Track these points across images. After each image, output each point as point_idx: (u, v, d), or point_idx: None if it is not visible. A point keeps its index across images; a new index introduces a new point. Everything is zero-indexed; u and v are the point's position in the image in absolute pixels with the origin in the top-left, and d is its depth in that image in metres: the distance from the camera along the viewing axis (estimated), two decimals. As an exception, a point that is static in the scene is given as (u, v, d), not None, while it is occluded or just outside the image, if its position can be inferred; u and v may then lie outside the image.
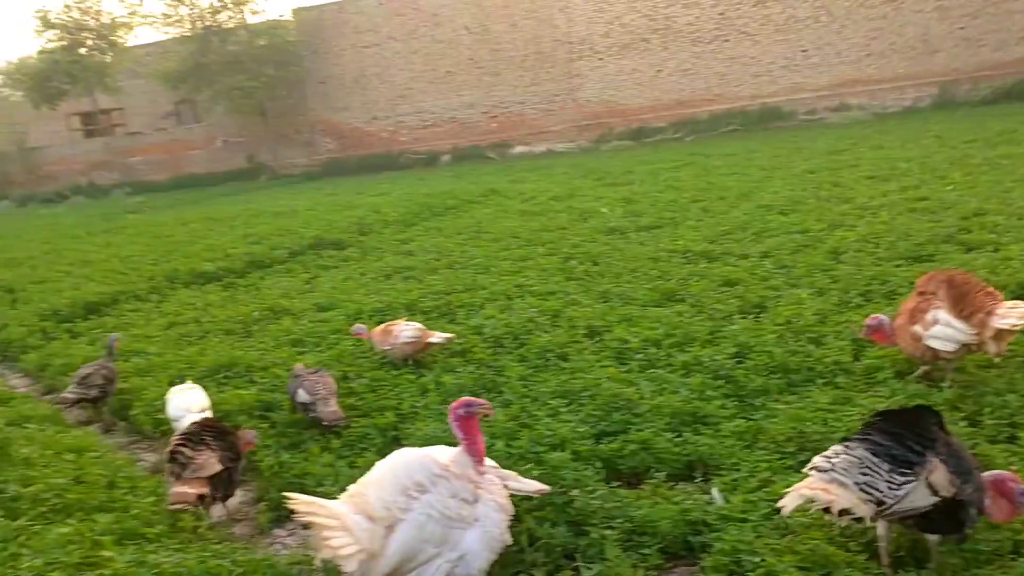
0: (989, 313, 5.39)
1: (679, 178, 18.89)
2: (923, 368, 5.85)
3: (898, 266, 8.44)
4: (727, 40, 33.69)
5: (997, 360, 5.70)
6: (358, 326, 8.03)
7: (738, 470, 4.83)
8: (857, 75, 31.80)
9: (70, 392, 7.59)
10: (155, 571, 3.53)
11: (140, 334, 9.98)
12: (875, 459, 3.63)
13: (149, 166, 42.87)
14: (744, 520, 4.26)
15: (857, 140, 21.84)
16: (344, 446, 5.97)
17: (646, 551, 4.23)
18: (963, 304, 5.56)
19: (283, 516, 5.30)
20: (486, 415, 4.18)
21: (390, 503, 3.79)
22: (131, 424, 7.45)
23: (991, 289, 5.69)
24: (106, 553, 3.68)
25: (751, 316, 7.57)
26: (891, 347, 6.01)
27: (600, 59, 35.62)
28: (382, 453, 5.65)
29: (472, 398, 4.08)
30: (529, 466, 4.95)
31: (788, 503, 3.73)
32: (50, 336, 10.64)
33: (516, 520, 4.46)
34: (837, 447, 3.82)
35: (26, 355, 10.19)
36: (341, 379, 7.18)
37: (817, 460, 3.80)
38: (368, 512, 3.73)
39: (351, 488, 3.97)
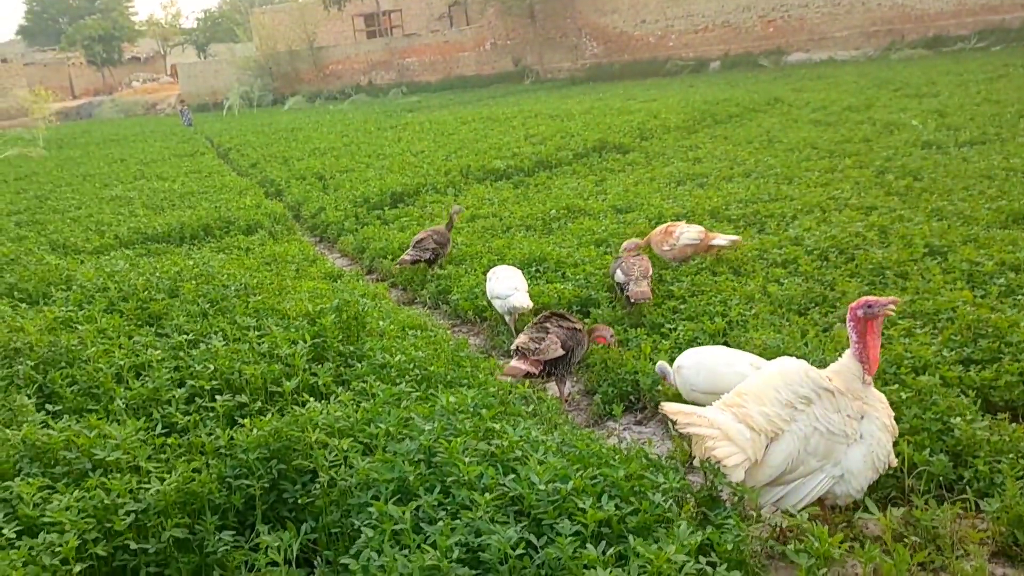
0: None
1: (996, 90, 16.92)
2: None
3: None
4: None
5: None
6: (628, 241, 7.56)
7: None
8: None
9: (408, 254, 8.54)
10: (544, 447, 3.61)
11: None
12: None
13: (422, 67, 44.68)
14: None
15: None
16: (674, 347, 5.88)
17: (1048, 492, 3.81)
18: None
19: (609, 411, 5.35)
20: (889, 314, 3.83)
21: (773, 416, 3.64)
22: (452, 307, 7.79)
23: None
24: (494, 426, 3.81)
25: None
26: None
27: (898, -43, 32.39)
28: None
29: (875, 297, 3.75)
30: (895, 387, 4.61)
31: None
32: (363, 221, 11.38)
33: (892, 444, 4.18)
34: None
35: (343, 238, 10.99)
36: (657, 281, 7.09)
37: None
38: (749, 423, 3.60)
39: (726, 397, 3.84)
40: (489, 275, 7.04)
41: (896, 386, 4.65)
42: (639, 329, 6.23)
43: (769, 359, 4.76)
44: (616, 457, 3.71)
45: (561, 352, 5.41)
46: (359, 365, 5.06)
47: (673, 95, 24.57)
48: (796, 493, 3.60)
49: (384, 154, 17.09)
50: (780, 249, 7.52)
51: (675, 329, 6.13)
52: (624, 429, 5.28)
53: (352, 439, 3.60)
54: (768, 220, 8.75)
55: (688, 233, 7.47)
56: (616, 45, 39.66)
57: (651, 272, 6.90)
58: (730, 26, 36.74)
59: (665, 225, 7.77)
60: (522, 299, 6.61)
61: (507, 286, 6.69)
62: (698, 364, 4.77)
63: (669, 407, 3.76)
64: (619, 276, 6.85)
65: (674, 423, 3.69)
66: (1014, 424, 4.35)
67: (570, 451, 3.67)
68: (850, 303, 3.90)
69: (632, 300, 6.53)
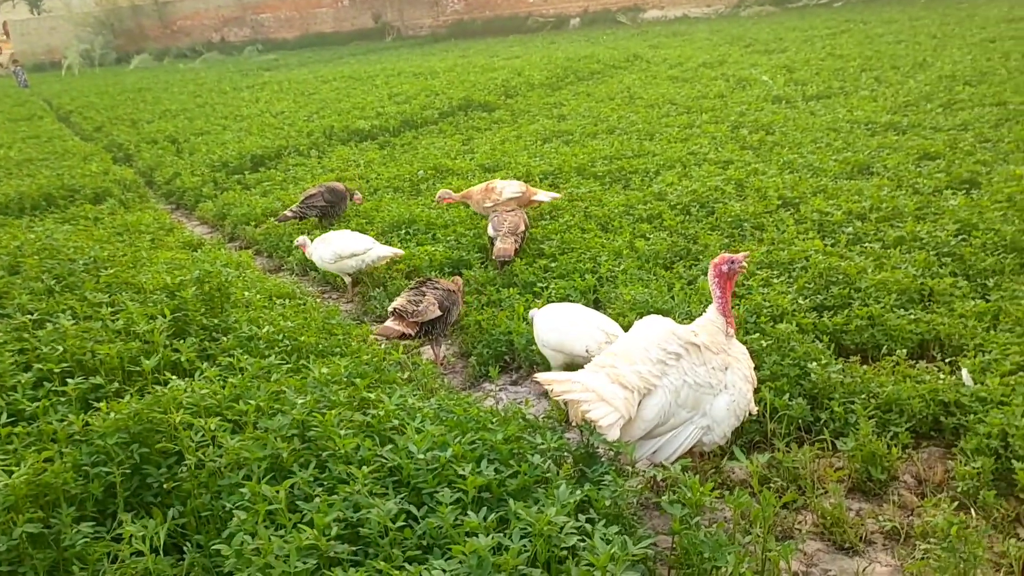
0: None
1: (839, 45, 17.74)
2: None
3: None
4: None
5: None
6: (443, 192, 8.05)
7: (985, 352, 4.56)
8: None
9: (291, 210, 8.50)
10: (422, 414, 3.58)
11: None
12: None
13: (278, 23, 43.06)
14: (1005, 403, 4.02)
15: (1039, 7, 19.97)
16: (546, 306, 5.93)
17: (896, 429, 4.07)
18: None
19: (485, 373, 5.38)
20: (743, 270, 4.00)
21: (645, 373, 3.72)
22: (320, 274, 7.61)
23: None
24: (369, 395, 3.74)
25: (962, 192, 7.08)
26: None
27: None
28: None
29: (733, 255, 3.89)
30: (755, 336, 4.81)
31: None
32: (222, 187, 10.94)
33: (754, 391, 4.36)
34: None
35: (202, 204, 10.52)
36: (529, 239, 7.13)
37: None
38: (622, 382, 3.66)
39: (597, 360, 3.89)
40: (329, 239, 7.10)
41: (757, 335, 4.85)
42: (511, 289, 6.25)
43: (639, 316, 4.90)
44: (494, 420, 3.71)
45: (439, 313, 5.42)
46: (225, 339, 4.85)
47: (536, 52, 24.61)
48: (670, 445, 3.71)
49: (242, 115, 16.44)
50: (645, 204, 7.68)
51: (547, 288, 6.19)
52: (501, 390, 5.31)
53: (220, 417, 3.46)
54: (632, 176, 8.93)
55: (510, 188, 7.59)
56: (477, 2, 39.30)
57: (524, 228, 6.93)
58: (589, -18, 37.00)
59: (485, 183, 7.83)
60: (380, 249, 6.90)
61: (345, 248, 6.86)
62: (549, 321, 4.88)
63: (543, 376, 3.79)
64: (490, 231, 6.91)
65: (551, 391, 3.71)
66: (865, 366, 4.62)
67: (448, 417, 3.65)
68: (712, 258, 4.04)
69: (494, 257, 6.63)
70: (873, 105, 11.03)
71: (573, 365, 4.61)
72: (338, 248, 6.93)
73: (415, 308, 5.38)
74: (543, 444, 3.39)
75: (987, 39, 15.93)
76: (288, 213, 8.47)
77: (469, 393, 5.11)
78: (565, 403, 3.78)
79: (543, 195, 7.71)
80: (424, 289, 5.58)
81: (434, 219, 8.07)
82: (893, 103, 11.03)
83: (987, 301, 5.16)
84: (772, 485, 3.86)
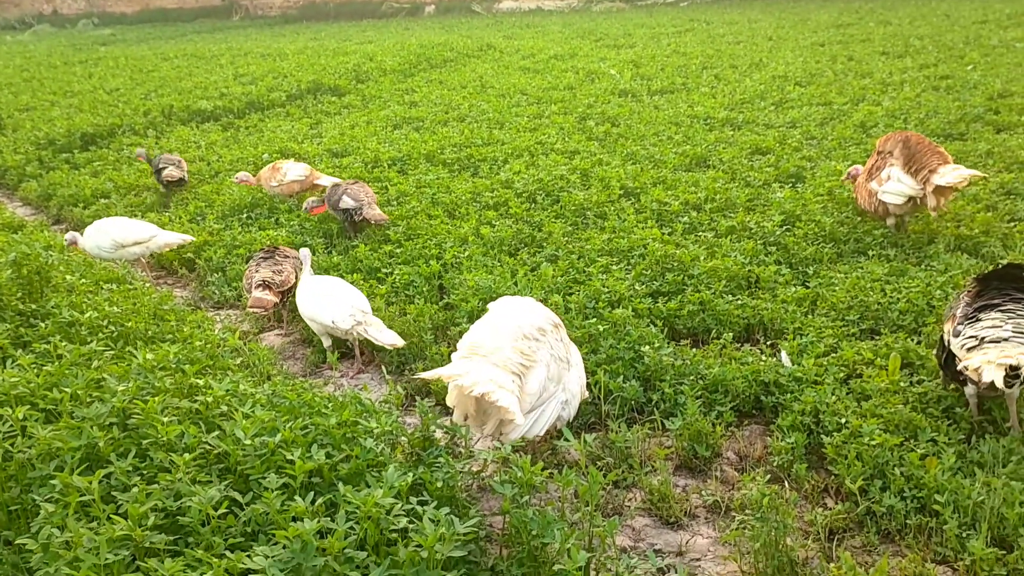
0: (932, 171, 5.84)
1: (684, 44, 18.42)
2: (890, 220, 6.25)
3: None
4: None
5: (934, 215, 6.13)
6: (241, 174, 8.34)
7: (803, 335, 4.85)
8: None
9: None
10: (252, 400, 3.47)
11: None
12: None
13: (116, -4, 40.69)
14: (818, 383, 4.30)
15: (863, 14, 21.35)
16: (392, 292, 5.89)
17: (720, 408, 4.27)
18: (912, 162, 5.99)
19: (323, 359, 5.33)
20: None
21: (526, 350, 3.74)
22: (155, 258, 7.28)
23: (941, 150, 6.06)
24: (198, 381, 3.60)
25: (788, 185, 7.50)
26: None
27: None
28: (429, 301, 5.67)
29: None
30: (592, 321, 4.94)
31: (990, 374, 3.47)
32: (48, 166, 10.28)
33: (590, 374, 4.49)
34: (985, 316, 3.75)
35: (25, 184, 9.85)
36: (375, 227, 7.05)
37: (982, 332, 3.68)
38: (509, 368, 3.65)
39: (464, 347, 3.84)
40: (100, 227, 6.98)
41: (595, 319, 4.98)
42: (355, 275, 6.16)
43: (482, 301, 4.97)
44: (329, 405, 3.65)
45: (294, 281, 5.72)
46: (43, 325, 4.56)
47: (389, 38, 24.34)
48: (539, 423, 3.76)
49: (73, 91, 15.47)
50: (492, 192, 7.74)
51: (391, 273, 6.14)
52: (342, 376, 5.23)
53: (30, 406, 3.25)
54: (481, 164, 8.98)
55: (294, 170, 7.97)
56: (330, -17, 38.44)
57: (375, 196, 7.27)
58: (445, -30, 36.87)
59: (272, 163, 8.24)
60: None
61: (119, 237, 6.84)
62: (307, 292, 5.36)
63: (430, 374, 3.69)
64: (347, 202, 6.96)
65: (464, 389, 3.57)
66: (695, 349, 4.83)
67: (281, 402, 3.56)
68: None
69: (373, 223, 6.90)
70: (712, 101, 11.51)
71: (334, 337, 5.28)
72: (117, 236, 6.77)
73: (279, 278, 5.62)
74: (378, 428, 3.36)
75: (817, 43, 16.91)
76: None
77: (308, 379, 5.01)
78: (479, 397, 3.63)
79: (326, 179, 7.87)
80: (277, 258, 5.80)
81: (277, 203, 7.86)
82: (730, 100, 11.54)
83: (807, 287, 5.49)
84: (603, 464, 3.97)
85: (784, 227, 6.37)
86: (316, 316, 5.20)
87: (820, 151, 8.49)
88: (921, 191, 5.91)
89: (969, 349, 3.69)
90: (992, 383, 3.47)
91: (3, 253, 5.48)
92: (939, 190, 5.83)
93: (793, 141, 8.87)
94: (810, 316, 5.11)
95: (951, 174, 5.77)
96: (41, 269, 5.23)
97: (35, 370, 3.61)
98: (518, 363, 3.67)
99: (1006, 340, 3.61)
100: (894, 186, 6.02)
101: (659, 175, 7.99)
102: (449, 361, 3.86)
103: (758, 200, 7.12)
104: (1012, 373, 3.46)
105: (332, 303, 5.13)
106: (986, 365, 3.51)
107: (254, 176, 8.26)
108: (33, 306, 4.81)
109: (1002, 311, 3.74)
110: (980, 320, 3.77)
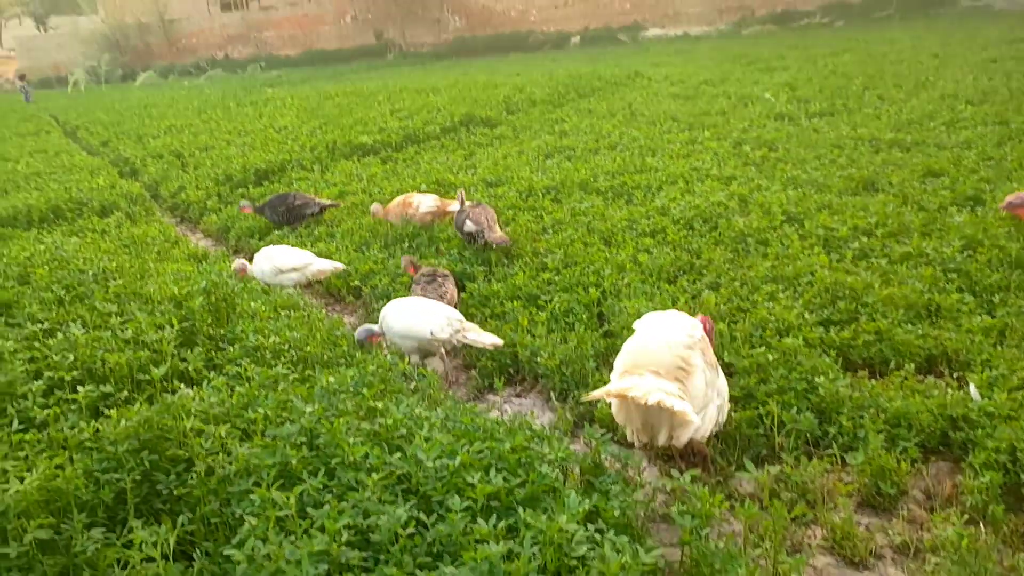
0: None
1: (841, 64, 17.83)
2: None
3: None
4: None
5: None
6: (375, 205, 8.71)
7: (992, 367, 4.55)
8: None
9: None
10: (429, 423, 3.57)
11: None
12: None
13: (281, 41, 43.31)
14: (1013, 418, 4.01)
15: (1039, 29, 20.11)
16: (551, 319, 5.93)
17: (905, 443, 4.05)
18: None
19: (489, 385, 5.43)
20: None
21: (683, 357, 3.85)
22: (324, 286, 7.62)
23: None
24: (376, 404, 3.73)
25: (966, 208, 7.10)
26: None
27: (747, -64, 33.60)
28: (589, 328, 5.66)
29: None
30: (760, 350, 4.81)
31: None
32: (226, 200, 10.95)
33: (760, 404, 4.37)
34: None
35: (206, 217, 10.54)
36: (532, 255, 7.13)
37: None
38: (672, 376, 3.78)
39: (622, 364, 3.93)
40: (264, 254, 7.40)
41: (763, 348, 4.85)
42: (515, 302, 6.24)
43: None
44: (501, 430, 3.70)
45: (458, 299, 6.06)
46: (231, 348, 4.85)
47: (537, 69, 24.75)
48: (706, 422, 3.89)
49: (246, 131, 16.47)
50: (648, 219, 7.69)
51: (551, 301, 6.18)
52: (505, 402, 5.29)
53: (229, 425, 3.45)
54: (635, 191, 8.94)
55: (426, 203, 8.22)
56: (478, 19, 39.55)
57: (497, 218, 7.47)
58: (589, 1, 37.23)
59: (403, 196, 8.49)
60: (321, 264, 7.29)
61: (282, 262, 7.19)
62: (395, 312, 5.46)
63: (598, 393, 3.84)
64: (469, 226, 7.19)
65: (646, 405, 3.65)
66: (872, 380, 4.61)
67: (455, 426, 3.64)
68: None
69: (495, 246, 7.06)
70: (877, 123, 11.08)
71: (425, 351, 5.38)
72: (278, 262, 7.17)
73: (446, 300, 5.89)
74: (550, 454, 3.38)
75: (989, 59, 16.03)
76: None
77: (474, 404, 5.09)
78: (654, 407, 3.68)
79: (455, 206, 7.97)
80: (439, 279, 6.14)
81: (437, 233, 8.08)
82: (896, 121, 11.08)
83: (993, 317, 5.15)
84: (781, 499, 3.84)
85: (965, 253, 6.02)
86: (412, 331, 5.30)
87: (999, 172, 7.99)
88: None
89: None
90: None
91: (194, 282, 5.90)
92: None
93: (969, 162, 8.40)
94: (999, 347, 4.79)
95: None
96: (228, 296, 5.58)
97: (228, 391, 3.85)
98: (678, 369, 3.70)
99: None
100: None
101: (824, 200, 7.73)
102: (610, 384, 3.92)
103: (934, 225, 6.76)
104: None
105: (427, 316, 5.27)
106: None
107: (383, 208, 8.59)
108: (222, 331, 5.13)
109: None
110: None
